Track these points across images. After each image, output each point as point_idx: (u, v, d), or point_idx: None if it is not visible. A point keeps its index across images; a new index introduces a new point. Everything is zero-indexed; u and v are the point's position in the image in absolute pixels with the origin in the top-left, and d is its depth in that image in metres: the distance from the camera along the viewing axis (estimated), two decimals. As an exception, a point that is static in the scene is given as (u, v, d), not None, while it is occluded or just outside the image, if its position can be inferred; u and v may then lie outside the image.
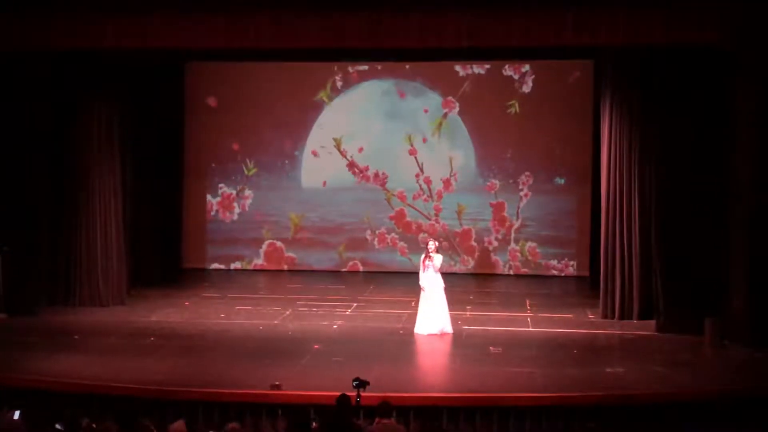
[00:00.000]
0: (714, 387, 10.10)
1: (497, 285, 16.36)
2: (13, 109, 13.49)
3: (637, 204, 13.10)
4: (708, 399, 9.68)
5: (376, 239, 17.42)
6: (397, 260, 17.29)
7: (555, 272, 16.92)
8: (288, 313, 13.73)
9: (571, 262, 16.94)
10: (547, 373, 10.53)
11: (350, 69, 17.21)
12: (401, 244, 17.36)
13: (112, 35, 12.32)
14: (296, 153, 17.50)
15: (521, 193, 17.06)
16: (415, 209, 17.36)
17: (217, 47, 12.98)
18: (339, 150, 17.37)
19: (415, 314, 12.63)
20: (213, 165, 17.60)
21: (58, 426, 7.50)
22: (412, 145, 17.26)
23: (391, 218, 17.39)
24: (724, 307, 12.05)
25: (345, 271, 17.32)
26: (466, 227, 17.23)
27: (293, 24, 12.19)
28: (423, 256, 12.65)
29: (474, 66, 16.97)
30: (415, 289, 12.90)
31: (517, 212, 17.09)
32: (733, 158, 12.13)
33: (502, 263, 17.13)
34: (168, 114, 16.67)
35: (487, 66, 16.96)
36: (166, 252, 16.76)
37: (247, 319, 13.37)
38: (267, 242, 17.54)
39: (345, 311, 13.91)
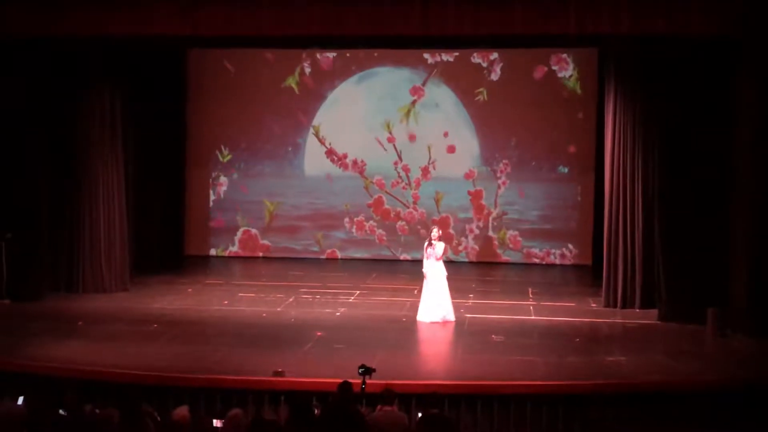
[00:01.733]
0: (716, 377, 10.10)
1: (500, 273, 16.37)
2: (14, 96, 13.47)
3: (640, 193, 13.09)
4: (710, 389, 9.68)
5: (354, 227, 17.42)
6: (375, 247, 17.33)
7: (537, 260, 16.97)
8: (291, 300, 13.75)
9: (566, 251, 16.91)
10: (549, 361, 10.55)
11: (318, 56, 17.18)
12: (379, 231, 17.38)
13: (114, 22, 12.29)
14: (299, 140, 17.50)
15: (499, 181, 17.08)
16: (393, 197, 17.37)
17: (218, 34, 12.95)
18: (317, 138, 17.35)
19: (418, 302, 12.65)
20: (216, 152, 17.60)
21: (61, 412, 7.53)
22: (390, 133, 17.24)
23: (369, 206, 17.41)
24: (727, 297, 12.04)
25: (323, 259, 17.33)
26: (444, 215, 17.26)
27: (294, 11, 12.16)
28: (425, 244, 12.65)
29: (443, 54, 16.96)
30: (418, 277, 12.91)
31: (495, 201, 17.10)
32: (736, 147, 12.11)
33: (478, 252, 17.17)
34: (170, 101, 16.68)
35: (456, 54, 16.95)
36: (169, 239, 16.80)
37: (250, 306, 13.40)
38: (242, 230, 17.56)
39: (348, 299, 13.93)
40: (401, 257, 17.31)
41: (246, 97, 17.33)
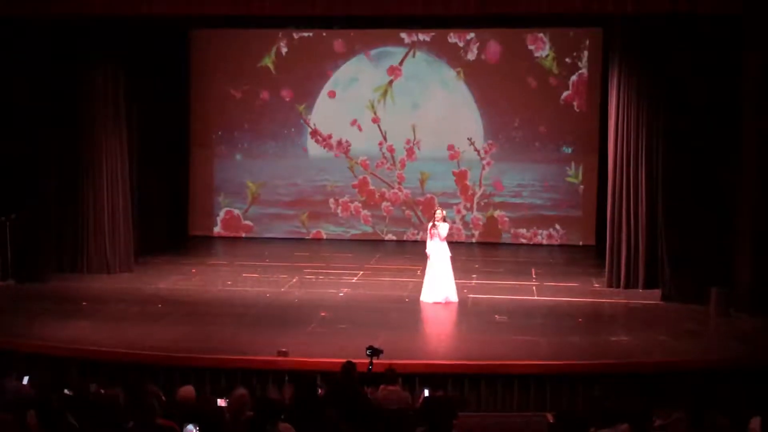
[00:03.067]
0: (719, 356, 10.14)
1: (503, 254, 16.37)
2: (16, 78, 13.46)
3: (643, 173, 13.05)
4: (712, 368, 9.72)
5: (340, 207, 17.43)
6: (360, 228, 17.35)
7: (524, 240, 16.98)
8: (295, 280, 13.78)
9: (554, 231, 16.93)
10: (552, 341, 10.57)
11: (294, 36, 17.11)
12: (365, 212, 17.39)
13: (117, 2, 12.28)
14: (300, 121, 17.50)
15: (483, 162, 17.07)
16: (379, 178, 17.35)
17: (221, 14, 12.92)
18: (303, 118, 17.33)
19: (421, 283, 12.67)
20: (219, 133, 17.60)
21: (66, 391, 7.56)
22: (375, 114, 17.22)
23: (354, 186, 17.40)
24: (730, 277, 12.05)
25: (309, 239, 17.34)
26: (429, 195, 17.27)
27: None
28: (430, 224, 12.66)
29: (419, 33, 16.90)
30: (421, 258, 12.92)
31: (480, 180, 17.10)
32: (740, 128, 12.08)
33: (464, 232, 17.18)
34: (174, 81, 16.66)
35: (432, 33, 16.91)
36: (173, 219, 16.83)
37: (254, 286, 13.43)
38: (224, 210, 17.58)
39: (351, 279, 13.96)
40: (386, 237, 17.34)
41: (258, 77, 17.28)
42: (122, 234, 14.28)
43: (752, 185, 11.92)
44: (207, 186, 17.66)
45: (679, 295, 12.44)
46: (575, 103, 16.79)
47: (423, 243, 16.15)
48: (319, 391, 7.80)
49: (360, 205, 17.43)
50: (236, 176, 17.56)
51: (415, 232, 17.17)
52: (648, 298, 12.73)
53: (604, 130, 14.49)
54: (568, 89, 16.79)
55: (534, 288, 13.45)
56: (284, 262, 15.11)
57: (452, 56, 16.99)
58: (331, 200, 17.45)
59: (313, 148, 17.45)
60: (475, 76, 16.95)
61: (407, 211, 17.30)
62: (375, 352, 8.19)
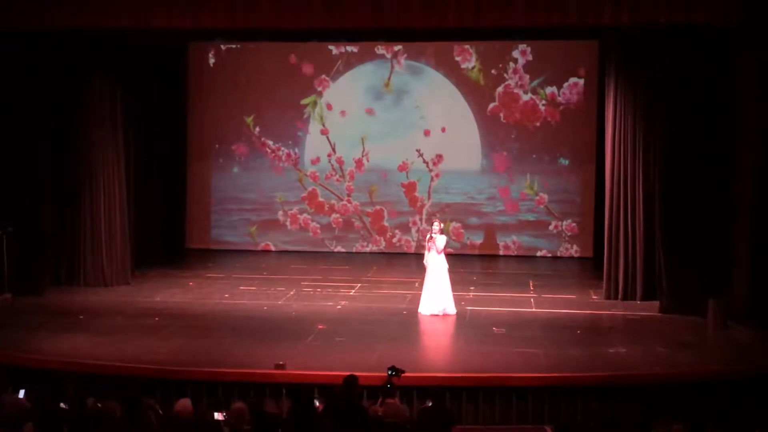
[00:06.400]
0: (717, 368, 10.11)
1: (501, 266, 16.37)
2: (13, 91, 13.46)
3: (641, 185, 13.08)
4: (711, 380, 9.70)
5: (288, 220, 17.43)
6: (309, 240, 17.38)
7: (477, 251, 16.93)
8: (292, 293, 13.76)
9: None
10: (550, 353, 10.56)
11: (222, 47, 17.11)
12: (314, 224, 17.40)
13: (115, 15, 12.28)
14: (299, 134, 17.51)
15: (432, 174, 17.10)
16: (328, 189, 17.37)
17: (219, 27, 12.94)
18: (251, 129, 17.36)
19: (419, 295, 12.65)
20: (216, 146, 17.61)
21: (62, 405, 7.54)
22: (324, 125, 17.25)
23: (303, 198, 17.42)
24: (728, 289, 12.04)
25: (258, 251, 17.33)
26: (378, 207, 17.28)
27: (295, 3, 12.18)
28: (427, 236, 12.65)
29: (347, 45, 17.00)
30: (419, 270, 12.90)
31: (429, 192, 17.13)
32: (737, 138, 12.10)
33: (412, 243, 17.21)
34: (171, 95, 16.68)
35: (359, 45, 17.02)
36: (170, 232, 16.80)
37: (251, 299, 13.41)
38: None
39: (349, 291, 13.94)
40: (335, 249, 17.34)
41: (256, 89, 17.30)
42: (119, 247, 14.26)
43: (750, 197, 11.92)
44: (204, 199, 17.65)
45: (677, 307, 12.43)
46: (501, 115, 16.84)
47: (373, 254, 16.27)
48: (317, 404, 7.78)
49: (309, 216, 17.43)
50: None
51: (365, 243, 17.24)
52: (646, 309, 12.72)
53: (602, 141, 14.52)
54: (494, 101, 16.85)
55: (532, 300, 13.43)
56: (282, 274, 15.10)
57: (381, 67, 17.08)
58: (280, 212, 17.45)
59: (263, 160, 17.46)
60: (405, 87, 17.04)
61: (357, 223, 17.30)
62: (397, 372, 8.21)
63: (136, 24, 12.41)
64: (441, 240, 12.48)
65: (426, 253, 12.57)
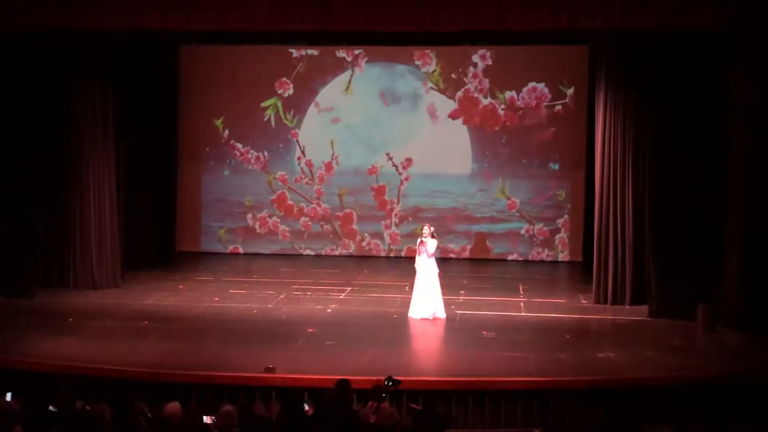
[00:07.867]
0: (705, 372, 10.14)
1: (491, 270, 16.40)
2: (3, 92, 13.43)
3: (630, 190, 13.12)
4: (699, 384, 9.72)
5: (258, 223, 17.42)
6: (278, 243, 17.38)
7: (453, 255, 16.95)
8: (282, 296, 13.75)
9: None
10: (540, 357, 10.58)
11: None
12: (283, 227, 17.40)
13: (106, 17, 12.27)
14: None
15: (402, 177, 17.14)
16: (297, 192, 17.38)
17: (210, 30, 12.93)
18: (220, 131, 17.37)
19: (409, 299, 12.66)
20: (207, 149, 17.59)
21: (51, 408, 7.52)
22: (294, 128, 17.28)
23: (272, 201, 17.42)
24: (717, 293, 12.09)
25: (227, 253, 17.35)
26: (348, 211, 17.30)
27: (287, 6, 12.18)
28: (418, 240, 12.66)
29: (307, 49, 17.04)
30: (409, 274, 12.91)
31: (398, 195, 17.19)
32: (726, 145, 12.14)
33: (382, 247, 17.26)
34: (162, 97, 16.65)
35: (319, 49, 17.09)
36: (161, 235, 16.77)
37: (241, 302, 13.39)
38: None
39: (339, 295, 13.94)
40: (304, 252, 17.34)
41: (247, 92, 17.32)
42: (109, 249, 14.23)
43: (741, 202, 11.97)
44: (194, 201, 17.62)
45: (666, 312, 12.47)
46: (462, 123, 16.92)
47: (345, 257, 16.37)
48: (306, 407, 7.77)
49: (278, 220, 17.42)
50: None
51: (334, 247, 17.24)
52: (635, 314, 12.76)
53: (592, 147, 14.56)
54: (455, 104, 16.95)
55: (522, 304, 13.45)
56: (273, 277, 15.09)
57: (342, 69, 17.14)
58: (249, 215, 17.44)
59: (232, 163, 17.48)
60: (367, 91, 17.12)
61: (326, 226, 17.30)
62: (394, 383, 8.22)
63: (127, 25, 12.39)
64: (432, 244, 12.49)
65: (417, 256, 12.58)
